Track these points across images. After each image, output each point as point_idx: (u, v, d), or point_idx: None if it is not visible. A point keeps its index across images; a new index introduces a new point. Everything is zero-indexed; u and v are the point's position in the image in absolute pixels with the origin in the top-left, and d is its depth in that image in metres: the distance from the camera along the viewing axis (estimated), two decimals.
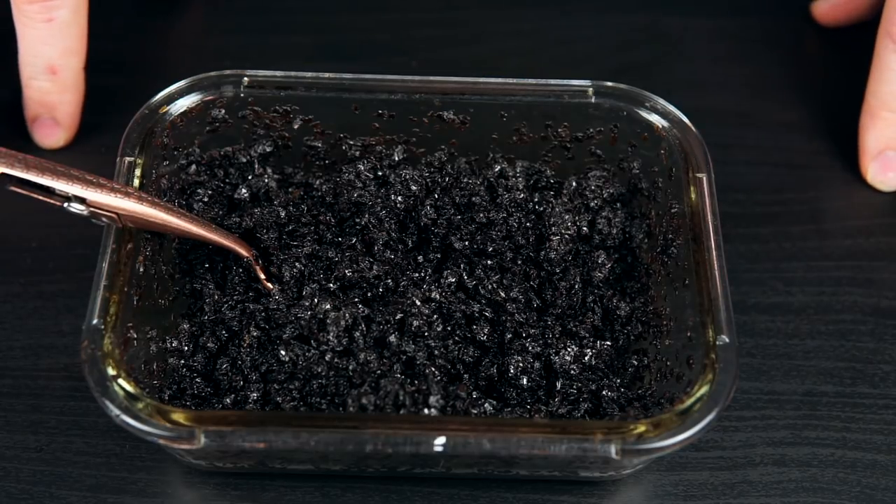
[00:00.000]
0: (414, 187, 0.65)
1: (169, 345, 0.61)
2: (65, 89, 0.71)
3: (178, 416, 0.53)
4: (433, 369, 0.59)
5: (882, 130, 0.71)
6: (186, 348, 0.61)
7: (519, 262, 0.64)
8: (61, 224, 0.67)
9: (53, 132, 0.72)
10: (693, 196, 0.61)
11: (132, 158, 0.61)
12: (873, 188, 0.73)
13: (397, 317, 0.61)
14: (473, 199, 0.65)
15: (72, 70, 0.70)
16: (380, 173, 0.66)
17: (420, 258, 0.64)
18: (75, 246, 0.68)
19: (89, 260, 0.59)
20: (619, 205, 0.66)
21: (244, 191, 0.65)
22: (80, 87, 0.71)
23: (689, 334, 0.58)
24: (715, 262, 0.58)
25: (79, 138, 0.73)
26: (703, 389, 0.54)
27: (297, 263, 0.62)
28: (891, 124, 0.71)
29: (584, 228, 0.65)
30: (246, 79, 0.64)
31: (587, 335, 0.62)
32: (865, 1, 0.78)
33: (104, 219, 0.58)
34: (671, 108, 0.64)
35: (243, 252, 0.62)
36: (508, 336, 0.61)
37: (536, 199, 0.65)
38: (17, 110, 0.73)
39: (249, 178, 0.66)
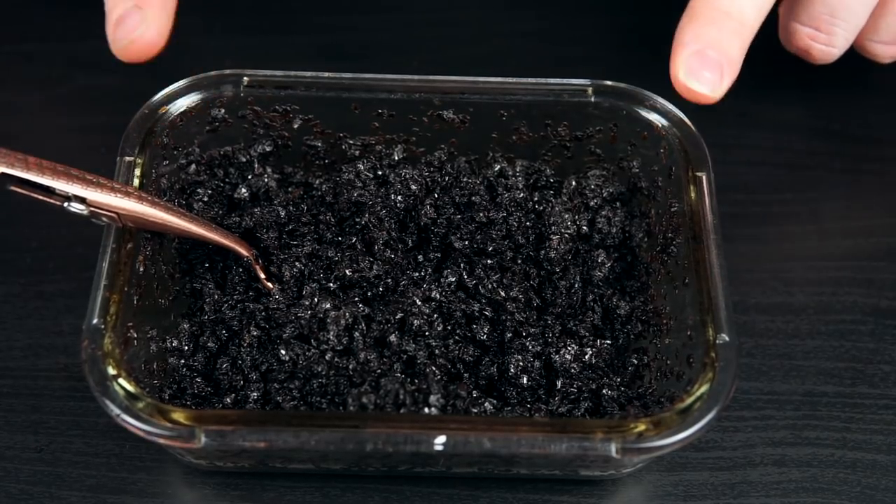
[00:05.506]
0: (414, 187, 0.65)
1: (169, 344, 0.61)
2: None
3: (179, 416, 0.53)
4: (433, 368, 0.59)
5: (704, 27, 0.61)
6: (186, 348, 0.61)
7: (519, 261, 0.64)
8: (61, 224, 0.67)
9: (136, 22, 0.63)
10: (693, 195, 0.61)
11: (132, 158, 0.61)
12: (871, 189, 0.72)
13: (397, 316, 0.61)
14: (473, 198, 0.65)
15: None
16: (380, 173, 0.66)
17: (420, 258, 0.64)
18: (75, 246, 0.68)
19: (89, 260, 0.59)
20: (618, 204, 0.66)
21: (244, 190, 0.65)
22: None
23: (689, 333, 0.58)
24: (715, 261, 0.58)
25: (79, 138, 0.73)
26: (704, 388, 0.54)
27: (297, 263, 0.62)
28: (715, 22, 0.59)
29: (584, 227, 0.65)
30: (246, 79, 0.64)
31: (587, 334, 0.62)
32: None
33: (104, 219, 0.58)
34: (671, 107, 0.64)
35: (243, 252, 0.62)
36: (508, 335, 0.61)
37: (536, 199, 0.65)
38: (18, 111, 0.73)
39: (249, 177, 0.66)
